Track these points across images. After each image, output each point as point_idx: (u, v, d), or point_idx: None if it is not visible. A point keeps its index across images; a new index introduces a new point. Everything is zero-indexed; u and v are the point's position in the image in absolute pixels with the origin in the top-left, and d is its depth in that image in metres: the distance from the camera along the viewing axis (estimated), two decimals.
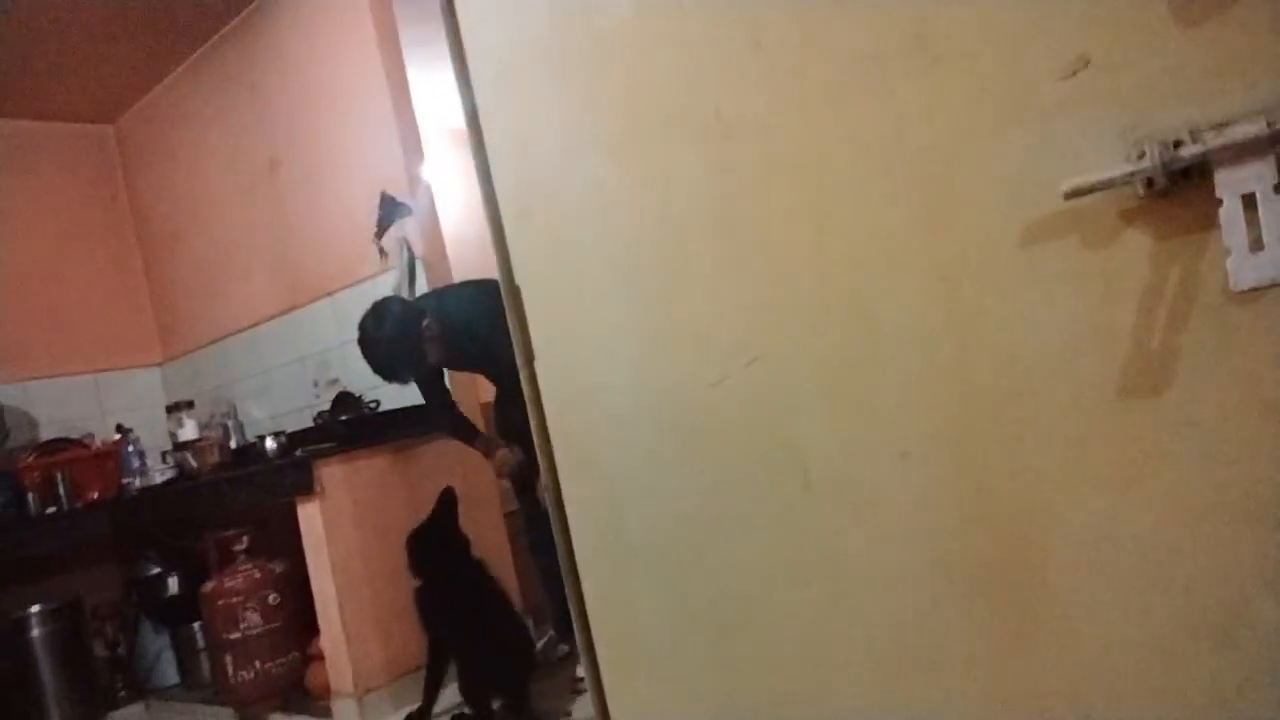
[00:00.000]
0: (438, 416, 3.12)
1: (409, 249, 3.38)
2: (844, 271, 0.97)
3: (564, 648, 3.21)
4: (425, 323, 2.85)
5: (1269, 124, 0.70)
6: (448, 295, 3.06)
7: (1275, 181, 0.70)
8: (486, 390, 3.29)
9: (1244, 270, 0.71)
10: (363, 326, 2.87)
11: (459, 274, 3.43)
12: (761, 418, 1.05)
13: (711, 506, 1.10)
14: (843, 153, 0.95)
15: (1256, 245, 0.70)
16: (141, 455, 3.88)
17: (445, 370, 3.14)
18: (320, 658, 3.09)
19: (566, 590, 1.23)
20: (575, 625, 1.23)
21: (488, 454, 3.08)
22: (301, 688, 3.26)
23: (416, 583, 2.75)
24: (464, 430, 3.10)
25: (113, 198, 4.73)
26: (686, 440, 1.11)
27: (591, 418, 1.19)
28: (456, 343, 2.88)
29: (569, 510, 1.22)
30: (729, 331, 1.06)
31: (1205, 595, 0.81)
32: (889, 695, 0.99)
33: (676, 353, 1.10)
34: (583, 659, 1.23)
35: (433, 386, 3.08)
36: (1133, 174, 0.76)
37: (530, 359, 1.22)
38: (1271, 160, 0.70)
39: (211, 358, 4.39)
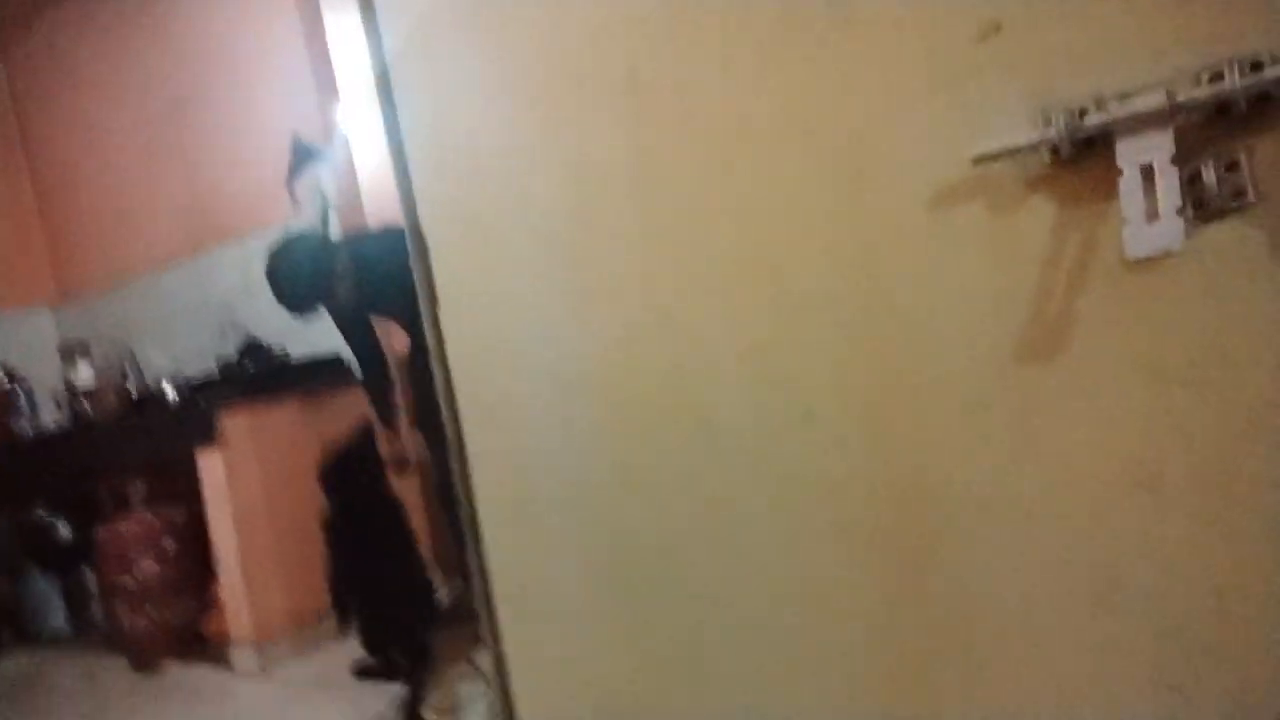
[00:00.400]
0: (366, 369, 3.01)
1: (322, 195, 3.26)
2: (758, 232, 0.96)
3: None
4: (340, 259, 2.75)
5: (1169, 96, 0.71)
6: (367, 238, 2.96)
7: (1172, 153, 0.71)
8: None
9: (1139, 239, 0.73)
10: (272, 254, 2.74)
11: (375, 223, 3.33)
12: (670, 377, 1.04)
13: (618, 464, 1.09)
14: (758, 113, 0.93)
15: (1152, 215, 0.72)
16: (31, 399, 3.69)
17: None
18: (219, 605, 3.03)
19: (467, 542, 1.21)
20: (475, 576, 1.21)
21: (387, 439, 2.99)
22: (199, 636, 3.19)
23: (328, 511, 2.69)
24: (382, 398, 3.01)
25: (4, 133, 4.44)
26: (594, 397, 1.10)
27: (499, 371, 1.16)
28: (372, 285, 2.78)
29: (472, 463, 1.20)
30: (641, 289, 1.04)
31: (1085, 558, 0.83)
32: (784, 648, 1.00)
33: (587, 308, 1.08)
34: (481, 610, 1.21)
35: (359, 332, 2.97)
36: (1040, 141, 0.77)
37: (435, 310, 1.19)
38: (1170, 132, 0.71)
39: (110, 300, 4.19)
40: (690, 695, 1.07)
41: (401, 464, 3.04)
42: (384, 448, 3.02)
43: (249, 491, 2.91)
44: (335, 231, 3.24)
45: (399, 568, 2.71)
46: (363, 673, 2.76)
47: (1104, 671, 0.83)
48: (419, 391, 2.92)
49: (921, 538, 0.91)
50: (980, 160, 0.79)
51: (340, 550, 2.70)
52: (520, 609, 1.20)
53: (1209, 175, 0.73)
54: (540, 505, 1.16)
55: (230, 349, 3.53)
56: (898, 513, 0.92)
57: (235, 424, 2.88)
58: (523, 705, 1.21)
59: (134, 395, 3.54)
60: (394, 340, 3.25)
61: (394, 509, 2.75)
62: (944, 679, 0.91)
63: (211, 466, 2.87)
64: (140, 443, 3.08)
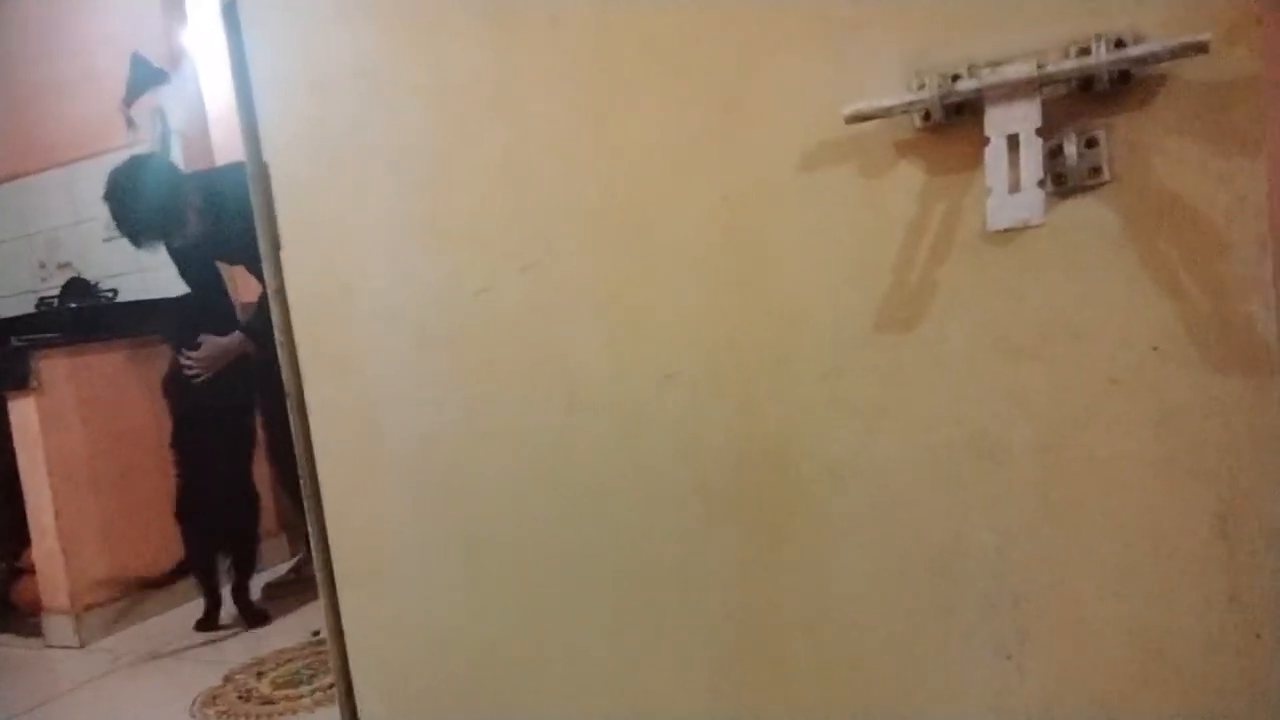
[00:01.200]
0: (209, 306, 2.81)
1: (164, 121, 3.02)
2: (626, 179, 0.92)
3: None
4: (189, 189, 2.54)
5: (1039, 66, 0.71)
6: (220, 174, 2.74)
7: (1038, 125, 0.71)
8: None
9: (1000, 210, 0.73)
10: (116, 174, 2.49)
11: (223, 158, 3.11)
12: (529, 330, 0.99)
13: (470, 420, 1.04)
14: (633, 51, 0.89)
15: (1015, 186, 0.72)
16: None
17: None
18: (31, 570, 2.78)
19: (304, 499, 1.13)
20: (312, 535, 1.14)
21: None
22: (7, 602, 2.93)
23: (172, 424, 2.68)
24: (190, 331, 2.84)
25: None
26: (448, 348, 1.04)
27: (344, 316, 1.08)
28: (224, 223, 2.58)
29: (312, 414, 1.12)
30: (501, 234, 0.99)
31: (931, 524, 0.84)
32: (638, 613, 0.98)
33: (443, 252, 1.02)
34: (317, 571, 1.14)
35: (207, 275, 2.77)
36: (911, 104, 0.75)
37: (276, 246, 1.10)
38: (1037, 103, 0.71)
39: None
40: (532, 658, 1.04)
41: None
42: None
43: (68, 444, 2.68)
44: (178, 160, 3.01)
45: (231, 472, 2.70)
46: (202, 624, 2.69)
47: (943, 637, 0.84)
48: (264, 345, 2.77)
49: (777, 503, 0.90)
50: (852, 119, 0.77)
51: (184, 467, 2.67)
52: (358, 568, 1.13)
53: (1070, 150, 0.73)
54: (384, 460, 1.09)
55: (53, 286, 3.24)
56: (755, 478, 0.91)
57: (53, 368, 2.63)
58: (360, 674, 1.15)
59: None
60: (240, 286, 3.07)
61: (238, 418, 2.71)
62: (794, 644, 0.91)
63: (24, 414, 2.62)
64: None
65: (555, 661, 1.03)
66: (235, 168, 2.77)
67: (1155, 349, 0.75)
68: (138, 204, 2.46)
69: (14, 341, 2.71)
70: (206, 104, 3.22)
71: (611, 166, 0.92)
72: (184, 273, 2.76)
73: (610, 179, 0.93)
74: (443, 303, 1.03)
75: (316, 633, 2.53)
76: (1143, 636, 0.78)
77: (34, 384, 2.58)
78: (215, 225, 2.58)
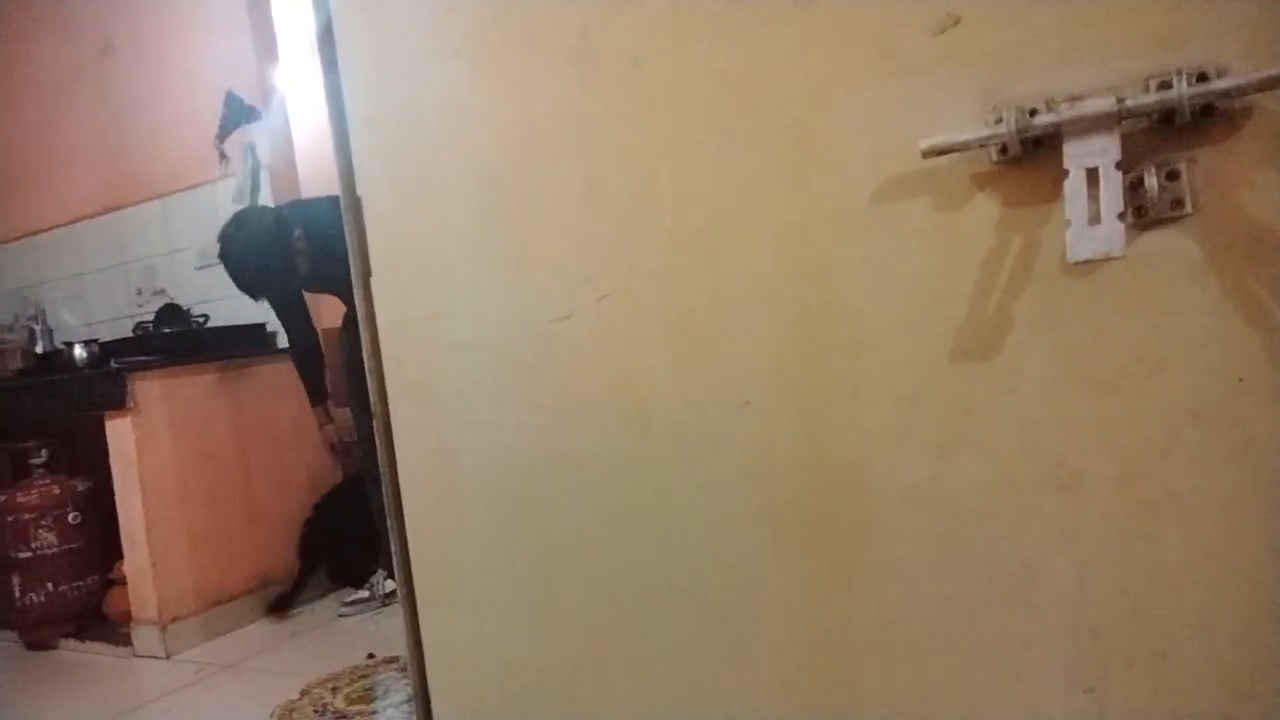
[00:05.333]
0: (300, 351, 2.96)
1: (254, 155, 3.16)
2: (701, 211, 0.94)
3: (391, 583, 3.14)
4: (296, 234, 2.69)
5: (1118, 100, 0.71)
6: (313, 207, 2.88)
7: (1118, 158, 0.72)
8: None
9: (1080, 242, 0.73)
10: (227, 237, 2.66)
11: (308, 191, 3.24)
12: (606, 357, 1.02)
13: (547, 444, 1.07)
14: (709, 88, 0.92)
15: (1095, 219, 0.72)
16: None
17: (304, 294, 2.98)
18: (123, 582, 2.90)
19: (388, 519, 1.18)
20: (395, 555, 1.18)
21: (320, 423, 3.05)
22: (99, 613, 3.06)
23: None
24: (314, 380, 2.98)
25: None
26: (527, 374, 1.07)
27: (429, 341, 1.13)
28: (323, 258, 2.72)
29: (397, 436, 1.16)
30: (581, 264, 1.02)
31: (1006, 555, 0.84)
32: (707, 637, 0.99)
33: (524, 281, 1.06)
34: (399, 591, 1.18)
35: (296, 312, 2.91)
36: (988, 138, 0.76)
37: (367, 275, 1.15)
38: (1116, 136, 0.72)
39: (17, 253, 3.98)
40: (609, 684, 1.06)
41: (333, 446, 3.06)
42: (318, 431, 3.03)
43: (161, 461, 2.80)
44: (264, 193, 3.16)
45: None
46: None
47: (1020, 671, 0.84)
48: (349, 366, 2.89)
49: (849, 531, 0.91)
50: (929, 153, 0.78)
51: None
52: (438, 591, 1.16)
53: (1151, 182, 0.73)
54: (461, 482, 1.13)
55: (148, 312, 3.40)
56: (828, 505, 0.92)
57: (147, 389, 2.76)
58: (437, 690, 1.18)
59: (40, 354, 3.38)
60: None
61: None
62: (863, 672, 0.91)
63: (121, 433, 2.75)
64: (44, 404, 2.93)
65: (624, 684, 1.05)
66: (324, 201, 2.91)
67: (1241, 380, 0.74)
68: (256, 264, 2.67)
69: (113, 364, 2.85)
70: (294, 136, 3.36)
71: (688, 198, 0.95)
72: (283, 313, 2.90)
73: (686, 210, 0.95)
74: (522, 330, 1.07)
75: (371, 655, 2.58)
76: (1226, 672, 0.76)
77: (130, 404, 2.70)
78: (319, 262, 2.73)
